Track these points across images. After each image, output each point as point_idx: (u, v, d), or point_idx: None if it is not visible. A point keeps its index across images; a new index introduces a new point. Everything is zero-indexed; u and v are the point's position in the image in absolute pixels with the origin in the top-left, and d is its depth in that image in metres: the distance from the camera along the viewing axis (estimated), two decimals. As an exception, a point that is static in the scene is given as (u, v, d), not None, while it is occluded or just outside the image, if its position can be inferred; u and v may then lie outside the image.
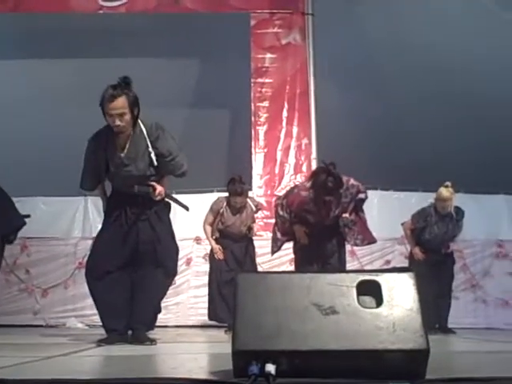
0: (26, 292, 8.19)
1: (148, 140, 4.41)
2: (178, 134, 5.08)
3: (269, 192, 8.58)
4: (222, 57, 9.28)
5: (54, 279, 8.19)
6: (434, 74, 9.05)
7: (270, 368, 2.09)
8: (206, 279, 7.00)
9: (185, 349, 4.49)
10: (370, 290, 2.29)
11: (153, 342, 4.38)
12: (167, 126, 4.55)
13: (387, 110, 9.39)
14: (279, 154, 8.75)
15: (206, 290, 6.93)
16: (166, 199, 4.65)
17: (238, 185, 6.58)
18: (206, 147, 8.79)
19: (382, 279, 2.31)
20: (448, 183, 6.83)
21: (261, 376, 2.08)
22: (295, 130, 8.80)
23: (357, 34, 9.38)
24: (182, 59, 9.65)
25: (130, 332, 4.52)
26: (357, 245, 6.17)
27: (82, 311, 7.79)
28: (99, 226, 4.93)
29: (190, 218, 6.37)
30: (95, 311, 4.69)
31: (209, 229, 6.80)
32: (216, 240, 6.79)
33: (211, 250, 6.83)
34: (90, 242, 6.76)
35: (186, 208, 4.87)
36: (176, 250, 4.71)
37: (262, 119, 8.87)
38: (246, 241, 6.84)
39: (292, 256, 6.38)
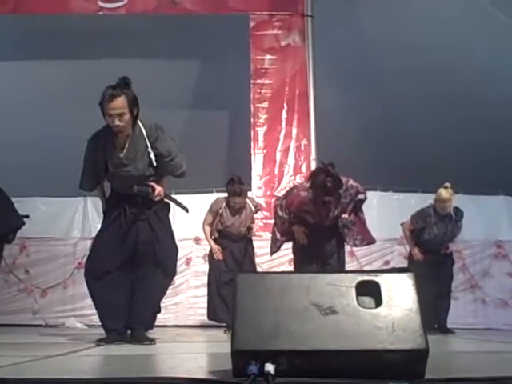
0: (25, 292, 8.19)
1: (147, 140, 4.41)
2: (177, 134, 5.09)
3: (268, 193, 8.59)
4: (222, 58, 9.29)
5: (53, 279, 8.20)
6: (433, 74, 9.06)
7: (269, 368, 2.10)
8: (205, 279, 7.01)
9: (184, 348, 4.49)
10: (370, 291, 2.29)
11: (152, 341, 4.38)
12: (167, 126, 4.56)
13: (386, 111, 9.40)
14: (278, 155, 8.76)
15: (205, 290, 6.93)
16: (166, 200, 4.65)
17: (237, 185, 6.59)
18: (205, 148, 8.80)
19: (381, 279, 2.32)
20: (447, 184, 6.84)
21: (260, 376, 2.09)
22: (294, 130, 8.81)
23: (356, 36, 9.39)
24: (181, 60, 9.65)
25: (129, 332, 4.52)
26: (356, 245, 6.17)
27: (82, 311, 7.79)
28: (98, 227, 4.93)
29: (190, 219, 6.37)
30: (94, 311, 4.69)
31: (208, 229, 6.81)
32: (215, 240, 6.80)
33: (210, 251, 6.83)
34: (89, 242, 6.77)
35: (186, 209, 4.87)
36: (175, 250, 4.72)
37: (262, 120, 8.88)
38: (245, 241, 6.85)
39: (291, 256, 6.38)
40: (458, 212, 6.97)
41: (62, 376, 2.34)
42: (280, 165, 8.73)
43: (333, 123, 8.90)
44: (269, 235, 6.53)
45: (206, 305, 6.86)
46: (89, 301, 4.91)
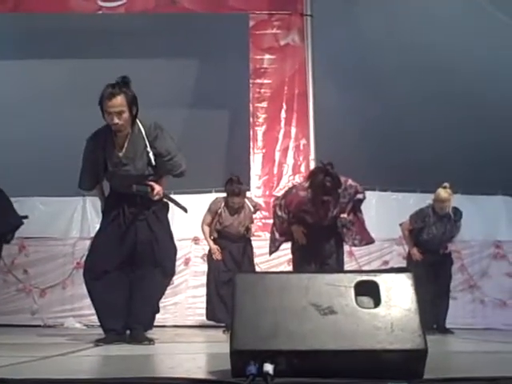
0: (23, 292, 8.19)
1: (146, 139, 4.41)
2: (176, 134, 5.09)
3: (267, 192, 8.59)
4: (221, 57, 9.29)
5: (52, 279, 8.20)
6: (432, 74, 9.06)
7: (268, 368, 2.10)
8: (204, 279, 7.01)
9: (183, 349, 4.49)
10: (368, 291, 2.29)
11: (151, 341, 4.38)
12: (166, 126, 4.56)
13: (385, 111, 9.40)
14: (277, 155, 8.76)
15: (204, 290, 6.93)
16: (164, 200, 4.65)
17: (235, 185, 6.59)
18: (204, 147, 8.80)
19: (380, 279, 2.31)
20: (446, 184, 6.84)
21: (259, 376, 2.09)
22: (293, 130, 8.81)
23: (355, 35, 9.39)
24: (180, 60, 9.66)
25: (128, 332, 4.52)
26: (355, 245, 6.17)
27: (80, 311, 7.80)
28: (97, 226, 4.93)
29: (189, 219, 6.36)
30: (93, 311, 4.68)
31: (207, 229, 6.80)
32: (214, 240, 6.80)
33: (209, 251, 6.83)
34: (88, 242, 6.76)
35: (185, 210, 4.87)
36: (174, 250, 4.72)
37: (261, 120, 8.89)
38: (244, 241, 6.85)
39: (290, 256, 6.38)
40: (457, 212, 6.97)
41: (61, 376, 2.33)
42: (279, 164, 8.73)
43: (332, 123, 8.90)
44: (268, 235, 6.53)
45: (204, 305, 6.86)
46: (88, 301, 4.90)
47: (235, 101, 9.41)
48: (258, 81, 8.98)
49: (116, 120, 4.28)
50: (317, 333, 2.20)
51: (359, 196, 5.78)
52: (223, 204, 6.72)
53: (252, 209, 6.86)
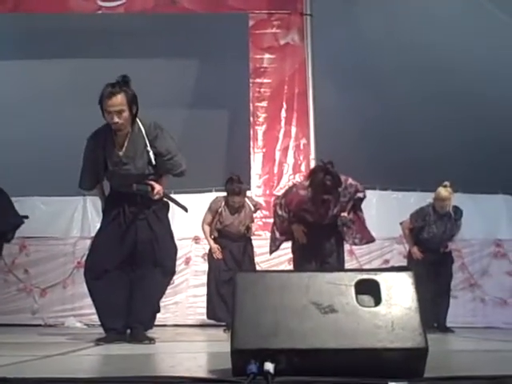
0: (24, 291, 8.18)
1: (146, 139, 4.42)
2: (176, 134, 5.08)
3: (267, 192, 8.59)
4: (221, 57, 9.29)
5: (52, 279, 8.19)
6: (432, 73, 9.06)
7: (269, 367, 2.10)
8: (204, 278, 7.01)
9: (184, 348, 4.49)
10: (369, 289, 2.29)
11: (151, 340, 4.38)
12: (166, 126, 4.56)
13: (385, 110, 9.40)
14: (278, 154, 8.76)
15: (204, 290, 6.93)
16: (165, 199, 4.65)
17: (236, 184, 6.59)
18: (204, 147, 8.80)
19: (380, 278, 2.32)
20: (446, 183, 6.84)
21: (259, 375, 2.09)
22: (294, 129, 8.81)
23: (355, 35, 9.39)
24: (180, 59, 9.66)
25: (128, 331, 4.52)
26: (355, 244, 6.17)
27: (81, 310, 7.80)
28: (98, 226, 4.93)
29: (189, 218, 6.36)
30: (94, 310, 4.69)
31: (207, 228, 6.81)
32: (214, 239, 6.80)
33: (210, 250, 6.84)
34: (88, 242, 6.77)
35: (185, 209, 4.87)
36: (174, 249, 4.72)
37: (261, 119, 8.88)
38: (244, 240, 6.85)
39: (290, 255, 6.38)
40: (457, 211, 6.97)
41: (62, 375, 2.34)
42: (279, 164, 8.73)
43: (332, 122, 8.90)
44: (268, 234, 6.52)
45: (205, 304, 6.86)
46: (88, 300, 4.91)
47: (235, 100, 9.41)
48: (258, 80, 8.98)
49: (116, 119, 4.28)
50: (317, 331, 2.20)
51: (359, 195, 5.78)
52: (223, 203, 6.72)
53: (252, 208, 6.86)
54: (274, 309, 2.25)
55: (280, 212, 5.88)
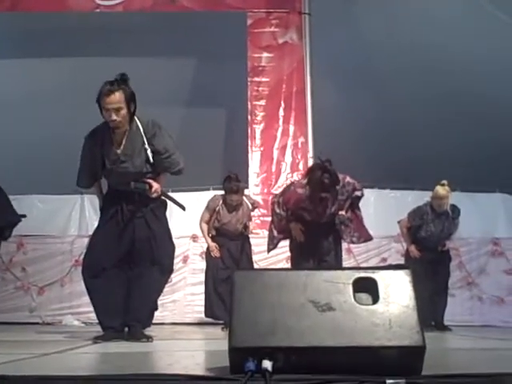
0: (22, 290, 8.17)
1: (144, 137, 4.42)
2: (174, 132, 5.09)
3: (265, 190, 8.59)
4: (219, 56, 9.29)
5: (50, 277, 8.19)
6: (432, 74, 9.06)
7: (267, 364, 2.10)
8: (202, 277, 7.01)
9: (181, 346, 4.49)
10: (367, 287, 2.29)
11: (149, 339, 4.38)
12: (164, 124, 4.56)
13: (384, 110, 9.40)
14: (276, 153, 8.76)
15: (202, 288, 6.94)
16: (163, 197, 4.65)
17: (233, 183, 6.59)
18: (202, 145, 8.81)
19: (378, 276, 2.32)
20: (444, 182, 6.85)
21: (257, 372, 2.09)
22: (292, 128, 8.81)
23: (353, 34, 9.39)
24: (179, 58, 9.65)
25: (126, 329, 4.52)
26: (353, 242, 6.17)
27: (79, 309, 7.79)
28: (95, 224, 4.92)
29: (187, 216, 6.36)
30: (91, 309, 4.69)
31: (205, 227, 6.81)
32: (212, 238, 6.80)
33: (207, 248, 6.84)
34: (86, 240, 6.75)
35: (183, 208, 4.88)
36: (172, 247, 4.72)
37: (259, 118, 8.89)
38: (242, 239, 6.85)
39: (288, 254, 6.38)
40: (455, 209, 6.98)
41: (60, 373, 2.34)
42: (277, 162, 8.73)
43: (330, 121, 8.90)
44: (266, 233, 6.53)
45: (203, 302, 6.87)
46: (86, 298, 4.91)
47: (233, 99, 9.41)
48: (256, 79, 8.98)
49: (114, 117, 4.28)
50: (315, 329, 2.20)
51: (357, 193, 5.79)
52: (221, 201, 6.72)
53: (250, 206, 6.87)
54: (271, 307, 2.25)
55: (278, 210, 5.89)
